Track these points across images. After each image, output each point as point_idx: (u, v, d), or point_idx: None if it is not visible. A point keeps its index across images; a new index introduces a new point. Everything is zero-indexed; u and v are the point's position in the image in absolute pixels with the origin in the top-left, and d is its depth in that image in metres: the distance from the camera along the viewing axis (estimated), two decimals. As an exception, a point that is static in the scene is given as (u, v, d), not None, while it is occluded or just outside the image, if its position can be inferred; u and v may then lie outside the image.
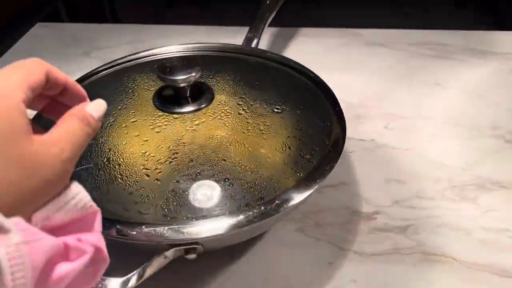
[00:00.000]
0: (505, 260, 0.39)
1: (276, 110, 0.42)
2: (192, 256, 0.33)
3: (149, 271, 0.32)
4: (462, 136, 0.52)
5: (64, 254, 0.20)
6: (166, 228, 0.32)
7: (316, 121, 0.42)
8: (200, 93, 0.42)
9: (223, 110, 0.41)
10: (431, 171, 0.48)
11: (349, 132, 0.40)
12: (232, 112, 0.41)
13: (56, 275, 0.19)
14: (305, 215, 0.44)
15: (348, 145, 0.50)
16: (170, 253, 0.33)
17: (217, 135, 0.39)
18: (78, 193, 0.22)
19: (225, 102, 0.42)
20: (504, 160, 0.49)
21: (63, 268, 0.19)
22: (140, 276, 0.32)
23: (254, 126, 0.40)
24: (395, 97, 0.58)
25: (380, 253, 0.40)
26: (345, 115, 0.42)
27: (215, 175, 0.36)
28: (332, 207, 0.44)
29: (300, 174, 0.37)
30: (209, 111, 0.41)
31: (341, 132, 0.40)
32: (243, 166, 0.37)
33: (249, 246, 0.41)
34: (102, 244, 0.22)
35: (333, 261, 0.40)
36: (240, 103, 0.42)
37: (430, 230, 0.42)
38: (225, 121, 0.40)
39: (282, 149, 0.39)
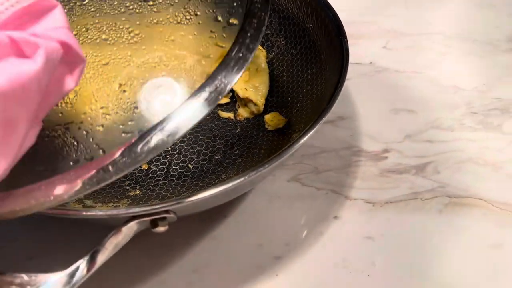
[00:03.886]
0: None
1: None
2: (161, 229, 0.25)
3: (102, 257, 0.23)
4: (475, 53, 0.43)
5: (13, 48, 0.18)
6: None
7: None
8: None
9: None
10: (445, 97, 0.40)
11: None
12: None
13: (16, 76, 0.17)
14: (299, 160, 0.35)
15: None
16: (129, 228, 0.24)
17: None
18: None
19: None
20: (527, 77, 0.41)
21: (23, 68, 0.18)
22: (90, 263, 0.23)
23: None
24: (390, 10, 0.49)
25: (396, 199, 0.33)
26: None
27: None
28: (331, 148, 0.36)
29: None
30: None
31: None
32: None
33: (233, 202, 0.32)
34: (70, 39, 0.20)
35: (340, 215, 0.32)
36: None
37: (453, 168, 0.34)
38: None
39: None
